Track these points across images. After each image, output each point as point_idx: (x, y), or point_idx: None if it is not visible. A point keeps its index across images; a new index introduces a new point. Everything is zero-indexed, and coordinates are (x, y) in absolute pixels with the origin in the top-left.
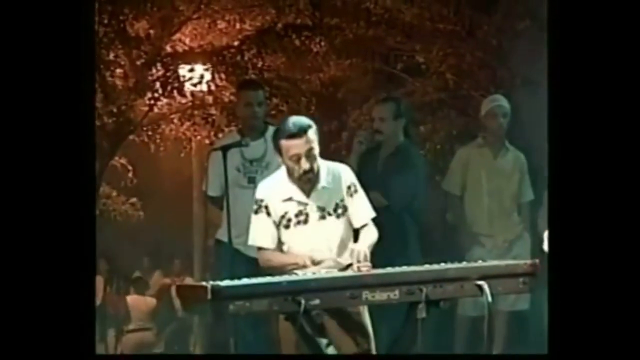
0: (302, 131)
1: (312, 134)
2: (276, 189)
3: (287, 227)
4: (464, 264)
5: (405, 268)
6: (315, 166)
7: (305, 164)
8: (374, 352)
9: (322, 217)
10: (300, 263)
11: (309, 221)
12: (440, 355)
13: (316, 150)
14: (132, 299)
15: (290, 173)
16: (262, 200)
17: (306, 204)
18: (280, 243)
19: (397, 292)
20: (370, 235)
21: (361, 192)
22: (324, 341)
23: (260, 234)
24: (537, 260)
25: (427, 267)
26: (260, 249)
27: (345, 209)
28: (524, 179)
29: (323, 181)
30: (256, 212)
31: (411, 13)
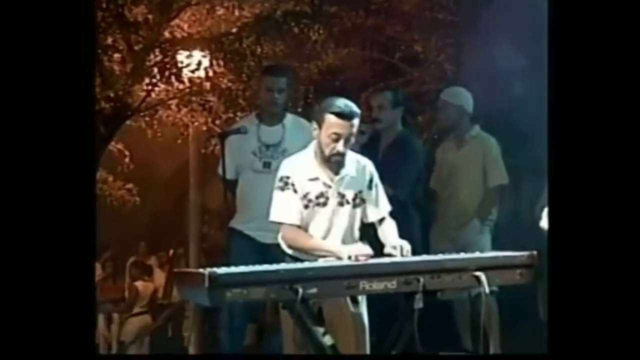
0: (352, 115)
1: (357, 122)
2: (303, 167)
3: (306, 207)
4: (462, 254)
5: (403, 258)
6: (346, 152)
7: (340, 147)
8: (367, 344)
9: (340, 204)
10: (331, 253)
11: (328, 205)
12: (439, 355)
13: (353, 139)
14: (132, 283)
15: (321, 151)
16: (288, 177)
17: (329, 187)
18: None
19: (394, 282)
20: (395, 228)
21: (381, 187)
22: (320, 330)
23: (286, 210)
24: (534, 252)
25: (425, 257)
26: (285, 226)
27: (362, 201)
28: (490, 164)
29: (348, 169)
30: (282, 189)
31: (410, 2)
